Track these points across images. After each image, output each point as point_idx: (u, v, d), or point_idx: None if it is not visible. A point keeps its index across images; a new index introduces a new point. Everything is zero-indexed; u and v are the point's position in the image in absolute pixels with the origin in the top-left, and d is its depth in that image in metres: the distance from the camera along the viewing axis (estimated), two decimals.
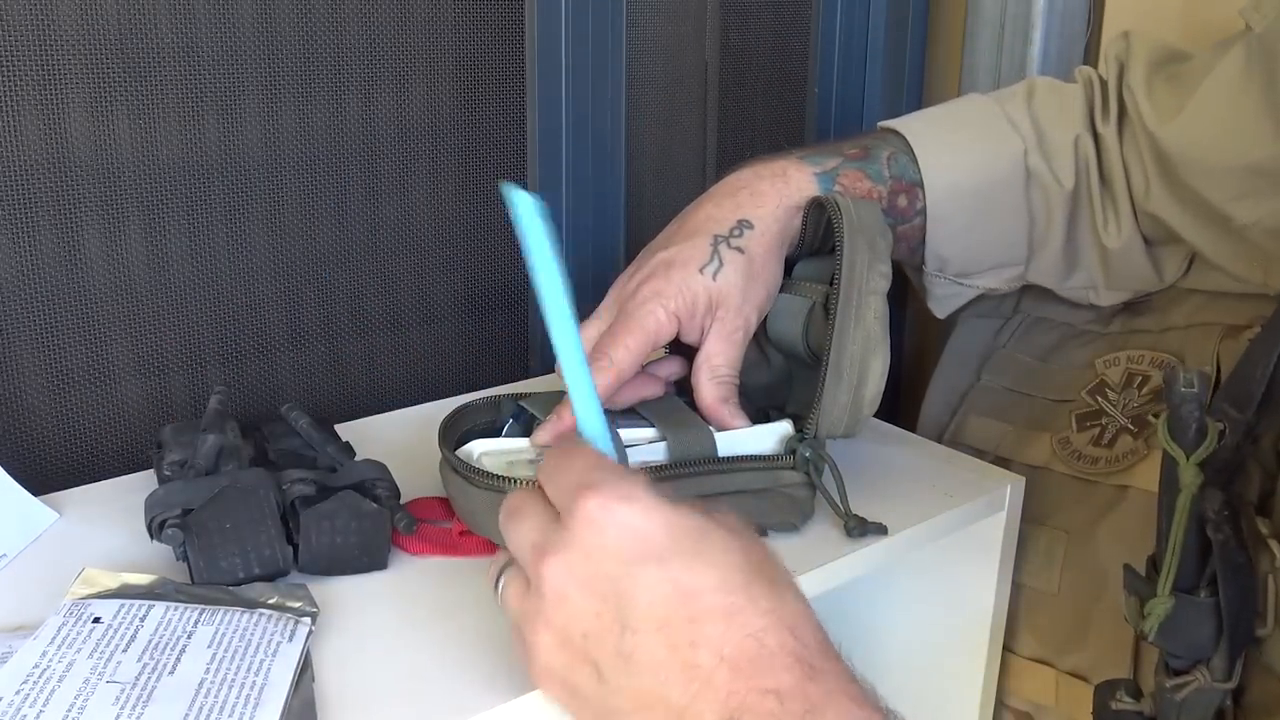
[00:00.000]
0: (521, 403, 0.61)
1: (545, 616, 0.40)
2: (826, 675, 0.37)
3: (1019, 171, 0.69)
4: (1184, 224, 0.68)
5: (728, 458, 0.57)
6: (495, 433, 0.62)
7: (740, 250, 0.61)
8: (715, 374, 0.60)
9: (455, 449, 0.57)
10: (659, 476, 0.54)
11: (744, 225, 0.62)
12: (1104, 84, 0.71)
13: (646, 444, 0.58)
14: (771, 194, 0.63)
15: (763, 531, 0.58)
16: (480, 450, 0.57)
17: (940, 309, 0.77)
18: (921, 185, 0.68)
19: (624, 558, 0.39)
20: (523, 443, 0.58)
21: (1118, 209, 0.70)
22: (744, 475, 0.56)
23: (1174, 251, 0.73)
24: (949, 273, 0.73)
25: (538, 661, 0.41)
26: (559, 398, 0.59)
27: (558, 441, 0.54)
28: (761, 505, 0.57)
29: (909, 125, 0.70)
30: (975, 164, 0.69)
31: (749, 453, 0.58)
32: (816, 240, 0.64)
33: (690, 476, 0.55)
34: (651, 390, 0.63)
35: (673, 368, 0.65)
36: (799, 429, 0.58)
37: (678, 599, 0.38)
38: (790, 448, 0.57)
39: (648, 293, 0.59)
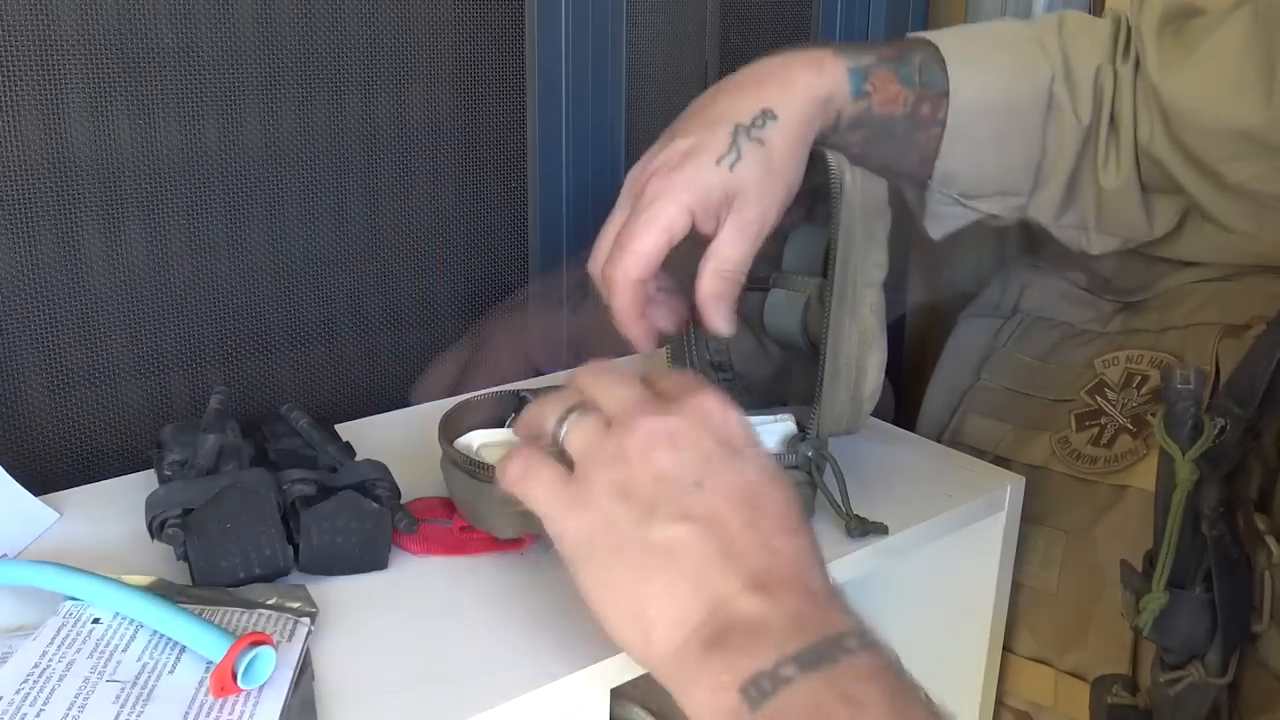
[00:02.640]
0: (524, 395, 0.61)
1: (625, 449, 0.43)
2: (849, 606, 0.42)
3: (1043, 97, 0.68)
4: (1183, 173, 0.68)
5: None
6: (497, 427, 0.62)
7: (760, 142, 0.59)
8: (720, 268, 0.58)
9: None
10: None
11: (768, 116, 0.59)
12: (1128, 25, 0.71)
13: None
14: (801, 83, 0.61)
15: None
16: (479, 441, 0.56)
17: (936, 228, 0.74)
18: (947, 95, 0.66)
19: (724, 441, 0.44)
20: None
21: (1119, 149, 0.70)
22: None
23: (1168, 202, 0.72)
24: (954, 190, 0.71)
25: (588, 481, 0.43)
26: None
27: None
28: None
29: (943, 37, 0.69)
30: (1003, 82, 0.68)
31: None
32: (813, 199, 0.63)
33: None
34: (668, 322, 0.62)
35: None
36: (801, 428, 0.58)
37: (753, 490, 0.43)
38: (793, 447, 0.57)
39: (660, 187, 0.58)
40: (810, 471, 0.57)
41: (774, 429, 0.59)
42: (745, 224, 0.58)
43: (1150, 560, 0.51)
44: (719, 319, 0.58)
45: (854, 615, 0.41)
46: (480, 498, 0.53)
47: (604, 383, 0.47)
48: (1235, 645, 0.49)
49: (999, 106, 0.67)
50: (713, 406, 0.45)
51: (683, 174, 0.58)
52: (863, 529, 0.57)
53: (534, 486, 0.45)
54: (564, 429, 0.46)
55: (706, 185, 0.58)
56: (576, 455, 0.45)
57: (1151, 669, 0.53)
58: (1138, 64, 0.69)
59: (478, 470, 0.53)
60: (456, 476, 0.55)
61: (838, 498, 0.58)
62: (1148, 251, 0.76)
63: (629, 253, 0.57)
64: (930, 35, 0.69)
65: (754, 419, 0.59)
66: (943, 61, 0.67)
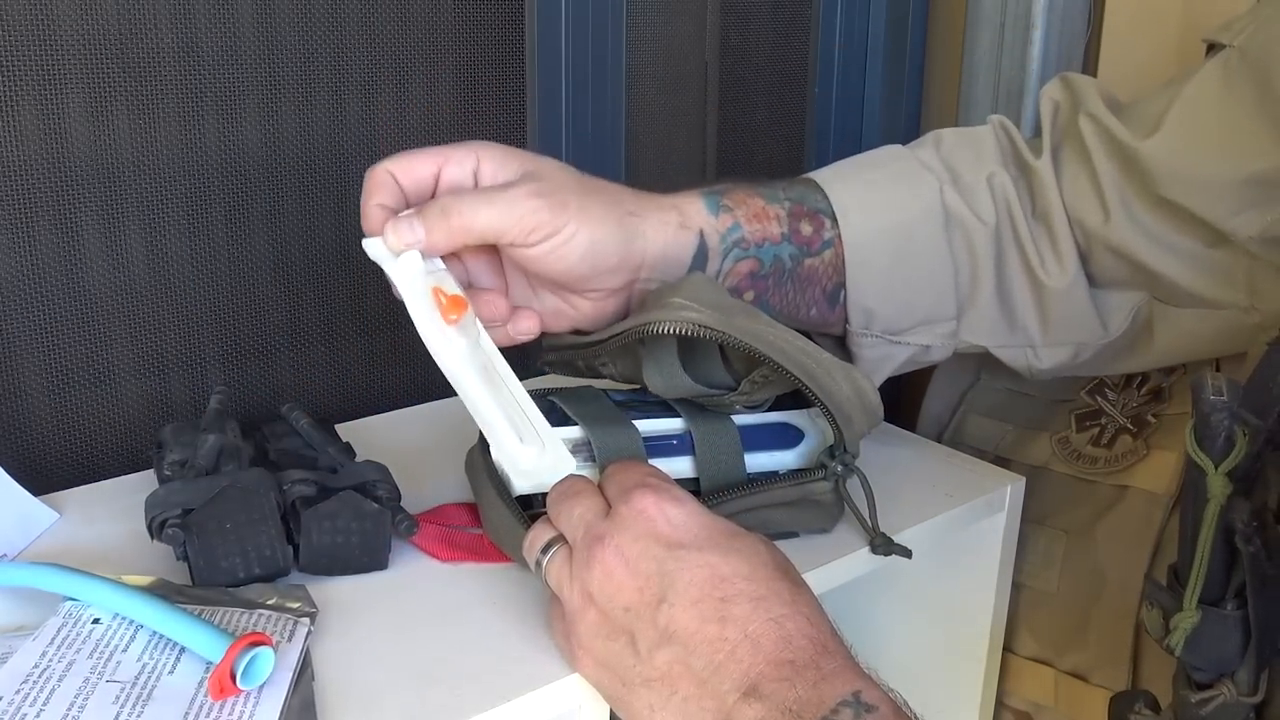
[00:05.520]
0: (551, 397, 0.60)
1: (590, 590, 0.45)
2: (837, 655, 0.42)
3: (936, 208, 0.64)
4: (1151, 252, 0.64)
5: (761, 477, 0.57)
6: None
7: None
8: (447, 208, 0.54)
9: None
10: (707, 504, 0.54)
11: None
12: (1008, 133, 0.68)
13: (670, 435, 0.58)
14: (661, 212, 0.59)
15: (793, 533, 0.58)
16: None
17: (875, 373, 0.67)
18: (824, 213, 0.63)
19: (669, 543, 0.45)
20: (560, 433, 0.56)
21: (1057, 247, 0.65)
22: (776, 491, 0.56)
23: (1122, 300, 0.67)
24: (876, 329, 0.66)
25: (576, 631, 0.46)
26: (589, 393, 0.59)
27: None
28: (794, 514, 0.57)
29: (812, 173, 0.66)
30: (890, 201, 0.64)
31: (775, 469, 0.58)
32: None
33: (729, 500, 0.55)
34: (526, 326, 0.59)
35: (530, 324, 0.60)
36: (830, 448, 0.57)
37: (712, 581, 0.44)
38: (821, 461, 0.57)
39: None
40: (837, 485, 0.57)
41: (798, 452, 0.59)
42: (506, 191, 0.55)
43: (1176, 575, 0.49)
44: (403, 236, 0.54)
45: (848, 668, 0.42)
46: (507, 532, 0.54)
47: (562, 509, 0.49)
48: (1266, 662, 0.49)
49: (891, 225, 0.64)
50: (648, 504, 0.46)
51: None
52: (888, 548, 0.57)
53: (553, 634, 0.49)
54: (543, 566, 0.49)
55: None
56: (557, 595, 0.48)
57: (1177, 687, 0.51)
58: (1058, 155, 0.66)
59: (519, 516, 0.53)
60: (491, 500, 0.55)
61: (865, 513, 0.58)
62: (1112, 369, 0.71)
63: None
64: (804, 176, 0.66)
65: (755, 420, 0.60)
66: (815, 190, 0.64)
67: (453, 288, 0.55)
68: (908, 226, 0.64)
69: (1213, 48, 0.64)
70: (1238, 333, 0.63)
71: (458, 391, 0.54)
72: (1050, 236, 0.65)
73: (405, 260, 0.54)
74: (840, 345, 0.68)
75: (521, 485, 0.54)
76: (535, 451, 0.54)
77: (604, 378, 0.61)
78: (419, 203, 0.56)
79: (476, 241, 0.55)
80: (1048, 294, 0.65)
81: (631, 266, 0.58)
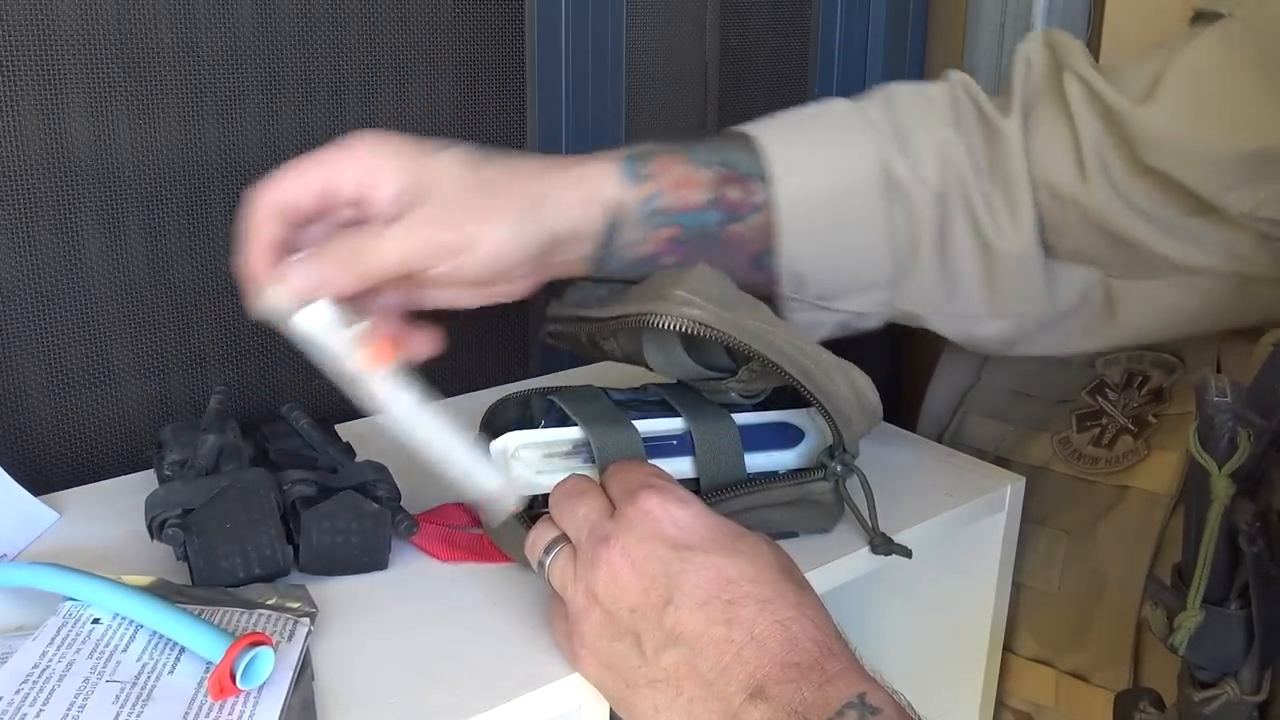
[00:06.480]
0: (551, 397, 0.60)
1: (595, 591, 0.45)
2: (842, 657, 0.42)
3: (877, 175, 0.62)
4: (1125, 217, 0.62)
5: (760, 477, 0.57)
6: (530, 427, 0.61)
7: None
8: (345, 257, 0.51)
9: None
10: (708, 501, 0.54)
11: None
12: (1005, 89, 0.66)
13: (671, 435, 0.58)
14: (566, 190, 0.56)
15: (793, 533, 0.58)
16: (518, 443, 0.56)
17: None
18: (755, 175, 0.60)
19: (675, 545, 0.45)
20: (559, 433, 0.57)
21: (1014, 211, 0.63)
22: (776, 490, 0.56)
23: (1074, 275, 0.65)
24: (808, 295, 0.64)
25: (580, 631, 0.46)
26: (588, 392, 0.59)
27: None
28: (794, 514, 0.57)
29: (754, 125, 0.63)
30: (829, 164, 0.62)
31: (775, 469, 0.58)
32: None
33: (729, 499, 0.55)
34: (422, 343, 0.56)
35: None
36: (830, 448, 0.57)
37: (719, 583, 0.44)
38: (820, 461, 0.57)
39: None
40: (837, 484, 0.57)
41: (797, 452, 0.59)
42: (406, 227, 0.52)
43: (1181, 575, 0.49)
44: (270, 293, 0.50)
45: (853, 670, 0.42)
46: (509, 533, 0.53)
47: (566, 509, 0.49)
48: (1270, 662, 0.49)
49: (829, 190, 0.61)
50: (653, 505, 0.46)
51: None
52: (887, 548, 0.57)
53: (555, 634, 0.49)
54: (546, 566, 0.49)
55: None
56: (561, 595, 0.48)
57: (1181, 686, 0.52)
58: (1027, 115, 0.64)
59: (520, 517, 0.53)
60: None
61: (865, 512, 0.58)
62: (1064, 348, 0.70)
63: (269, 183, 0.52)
64: (743, 126, 0.63)
65: (755, 420, 0.60)
66: (749, 147, 0.61)
67: (368, 330, 0.51)
68: (846, 192, 0.62)
69: (1200, 16, 0.62)
70: (1211, 300, 0.63)
71: (417, 441, 0.51)
72: (1007, 199, 0.63)
73: (317, 310, 0.50)
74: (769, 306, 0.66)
75: (523, 486, 0.55)
76: (497, 473, 0.53)
77: (606, 352, 0.61)
78: (303, 227, 0.53)
79: (385, 280, 0.52)
80: (996, 259, 0.63)
81: (540, 254, 0.56)
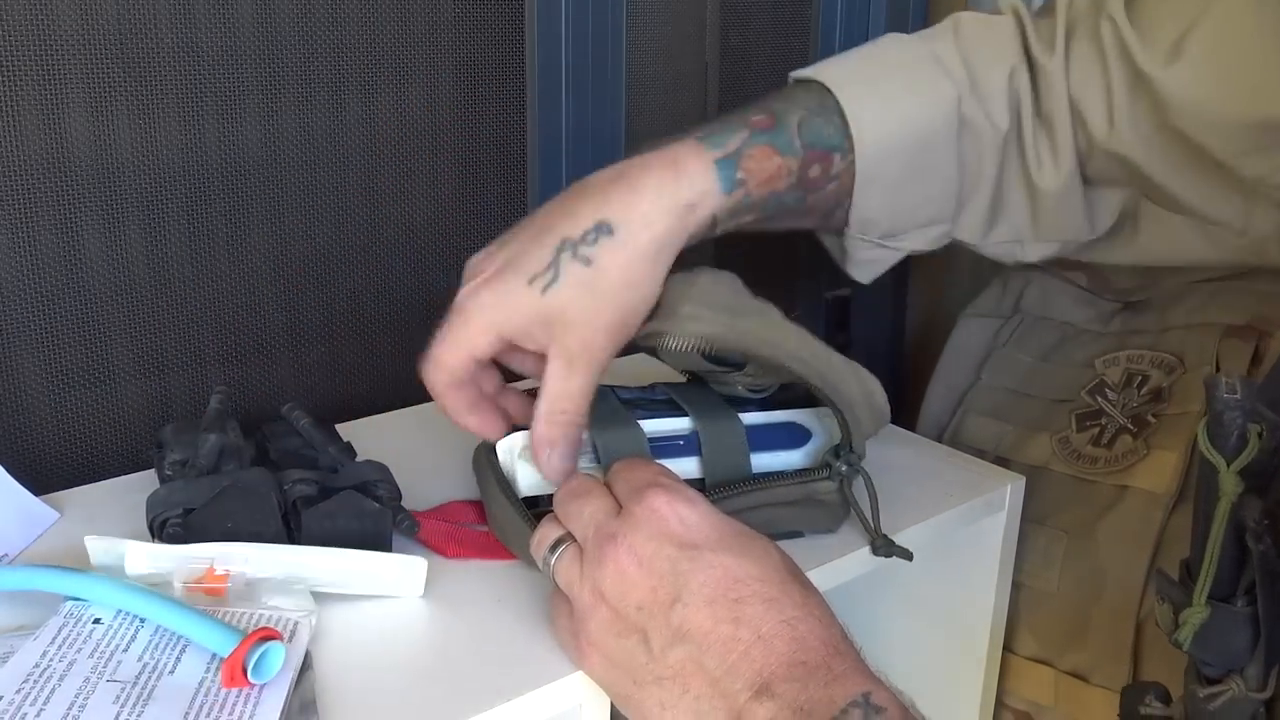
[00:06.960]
0: None
1: (602, 589, 0.45)
2: (848, 656, 0.43)
3: (952, 120, 0.63)
4: (1155, 164, 0.63)
5: (765, 475, 0.57)
6: None
7: (587, 262, 0.52)
8: (551, 409, 0.53)
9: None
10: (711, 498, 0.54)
11: (601, 230, 0.53)
12: (1021, 19, 0.66)
13: (678, 435, 0.58)
14: (652, 191, 0.54)
15: (798, 533, 0.58)
16: (524, 442, 0.56)
17: (863, 273, 0.68)
18: (837, 149, 0.60)
19: (682, 543, 0.45)
20: None
21: (1055, 147, 0.65)
22: (781, 489, 0.56)
23: (1110, 196, 0.68)
24: (874, 235, 0.65)
25: (586, 629, 0.46)
26: (595, 391, 0.59)
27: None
28: (799, 514, 0.57)
29: (829, 74, 0.62)
30: (907, 115, 0.62)
31: (781, 468, 0.58)
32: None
33: (733, 496, 0.56)
34: (520, 413, 0.58)
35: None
36: (835, 447, 0.57)
37: (726, 582, 0.44)
38: (825, 461, 0.57)
39: (464, 300, 0.54)
40: (841, 485, 0.57)
41: (804, 452, 0.59)
42: (570, 355, 0.53)
43: (1189, 571, 0.49)
44: (552, 465, 0.54)
45: (859, 670, 0.42)
46: (514, 530, 0.54)
47: (571, 508, 0.49)
48: (1276, 659, 0.49)
49: (907, 144, 0.62)
50: (660, 504, 0.46)
51: (490, 291, 0.53)
52: (889, 550, 0.57)
53: (557, 631, 0.49)
54: (552, 565, 0.49)
55: (513, 307, 0.52)
56: (566, 593, 0.48)
57: (1187, 682, 0.52)
58: (1068, 53, 0.64)
59: (525, 515, 0.53)
60: (499, 501, 0.55)
61: (868, 513, 0.58)
62: (1092, 257, 0.72)
63: (434, 363, 0.54)
64: (813, 72, 0.62)
65: (762, 420, 0.60)
66: (825, 109, 0.61)
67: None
68: (923, 142, 0.62)
69: None
70: (1224, 250, 0.65)
71: None
72: (1050, 138, 0.65)
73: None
74: (835, 240, 0.67)
75: (528, 485, 0.55)
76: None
77: None
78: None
79: None
80: (1040, 196, 0.66)
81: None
